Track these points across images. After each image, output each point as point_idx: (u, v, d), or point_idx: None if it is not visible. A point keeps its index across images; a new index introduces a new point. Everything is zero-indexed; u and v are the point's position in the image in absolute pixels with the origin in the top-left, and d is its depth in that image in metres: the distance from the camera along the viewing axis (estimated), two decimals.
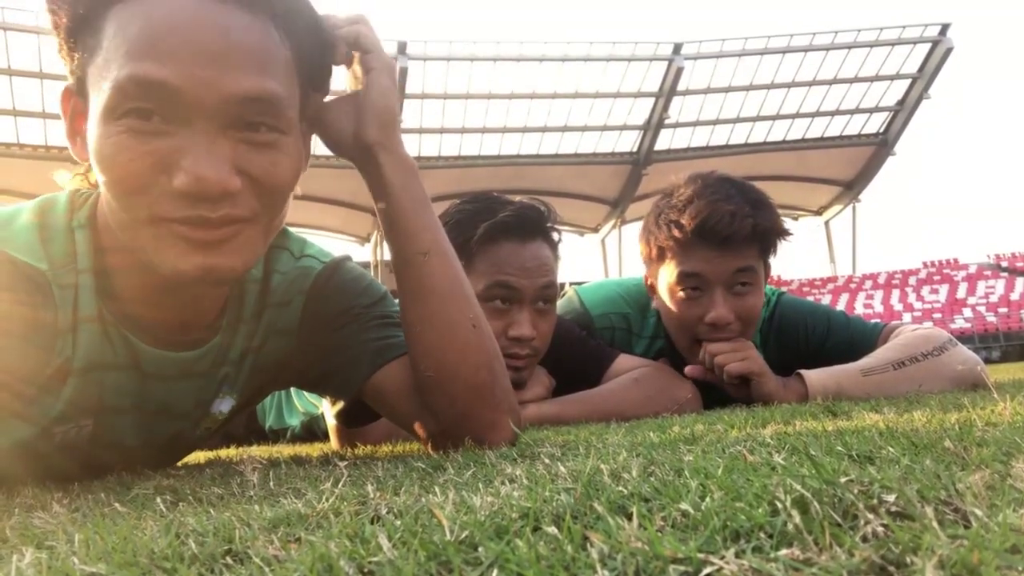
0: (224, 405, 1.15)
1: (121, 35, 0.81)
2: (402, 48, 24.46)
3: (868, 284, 33.17)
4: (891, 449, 0.57)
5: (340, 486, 0.66)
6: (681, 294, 1.85)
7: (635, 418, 1.68)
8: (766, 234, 1.83)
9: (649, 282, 1.99)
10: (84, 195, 1.01)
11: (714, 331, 1.83)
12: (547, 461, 0.74)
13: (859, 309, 29.50)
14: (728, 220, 1.76)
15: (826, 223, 35.53)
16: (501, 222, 1.68)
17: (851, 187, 33.57)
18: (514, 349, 1.71)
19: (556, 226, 1.80)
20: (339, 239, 33.21)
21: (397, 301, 1.13)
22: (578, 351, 1.91)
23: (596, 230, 34.41)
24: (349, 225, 31.62)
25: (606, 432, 1.13)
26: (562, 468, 0.64)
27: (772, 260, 1.93)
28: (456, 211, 1.76)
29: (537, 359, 1.79)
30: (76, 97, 0.90)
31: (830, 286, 33.19)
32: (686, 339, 1.90)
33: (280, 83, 0.87)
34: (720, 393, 1.89)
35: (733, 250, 1.79)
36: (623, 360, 1.91)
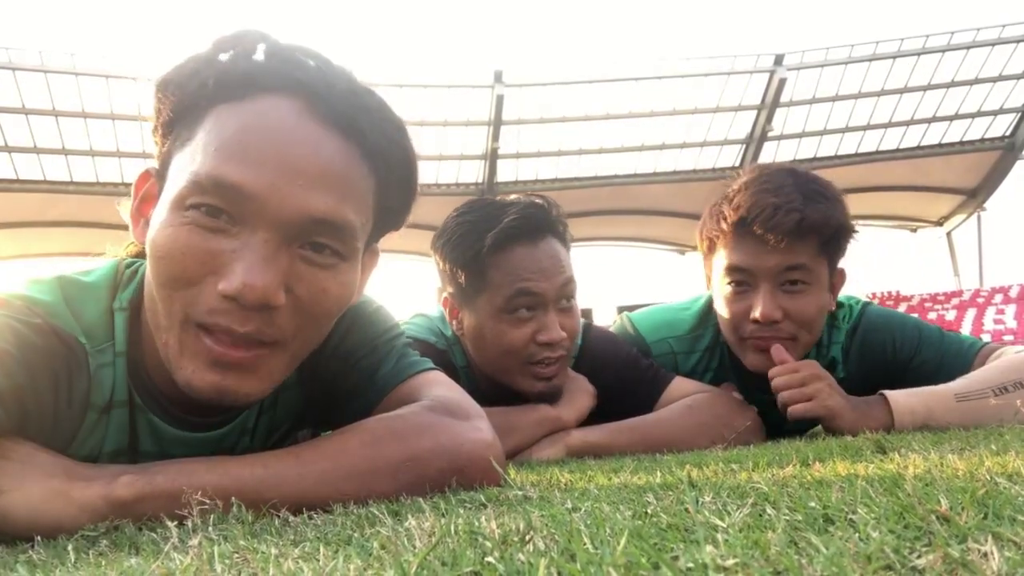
0: None
1: (215, 132, 0.83)
2: (498, 77, 24.78)
3: (998, 298, 30.69)
4: (870, 510, 0.45)
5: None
6: (728, 288, 1.76)
7: (687, 449, 1.55)
8: (820, 230, 1.67)
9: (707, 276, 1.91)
10: (132, 269, 0.99)
11: (761, 328, 1.71)
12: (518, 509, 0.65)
13: (989, 325, 27.33)
14: (770, 213, 1.65)
15: (948, 234, 33.29)
16: (509, 227, 1.58)
17: (975, 195, 31.38)
18: (545, 354, 1.62)
19: (560, 218, 1.68)
20: None
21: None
22: (630, 374, 1.79)
23: (697, 249, 33.57)
24: None
25: (615, 469, 1.03)
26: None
27: (853, 264, 1.80)
28: (456, 224, 1.66)
29: (568, 359, 1.69)
30: (154, 180, 0.91)
31: (955, 301, 30.92)
32: (734, 335, 1.79)
33: (356, 211, 0.88)
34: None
35: (782, 245, 1.66)
36: (679, 384, 1.78)
